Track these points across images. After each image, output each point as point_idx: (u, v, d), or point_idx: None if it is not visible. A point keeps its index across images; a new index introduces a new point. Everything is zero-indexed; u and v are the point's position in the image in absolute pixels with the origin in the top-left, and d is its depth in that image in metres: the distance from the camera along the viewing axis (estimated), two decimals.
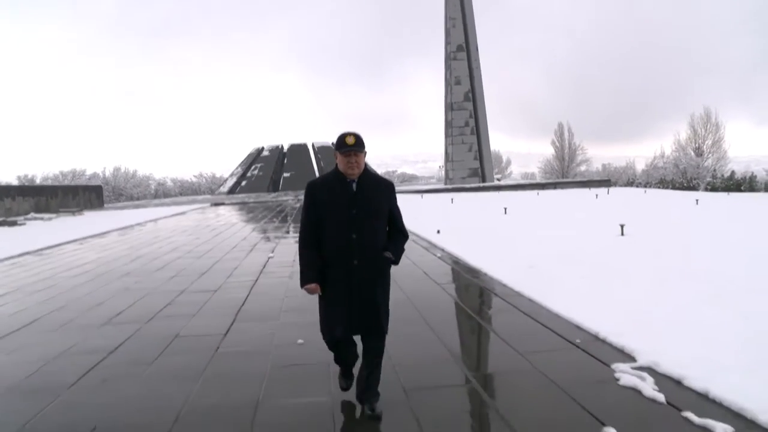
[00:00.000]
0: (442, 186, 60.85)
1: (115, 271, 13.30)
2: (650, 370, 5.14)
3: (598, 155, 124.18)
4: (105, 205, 60.45)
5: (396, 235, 4.72)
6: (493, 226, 19.29)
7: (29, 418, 4.88)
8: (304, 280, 4.48)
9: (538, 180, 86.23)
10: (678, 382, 4.86)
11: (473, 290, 9.54)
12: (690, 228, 16.45)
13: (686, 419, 4.21)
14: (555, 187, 54.76)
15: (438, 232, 17.10)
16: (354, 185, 4.49)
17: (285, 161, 74.70)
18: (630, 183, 71.90)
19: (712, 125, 68.49)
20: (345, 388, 5.00)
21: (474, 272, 10.88)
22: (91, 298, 10.15)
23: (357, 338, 4.74)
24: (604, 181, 59.45)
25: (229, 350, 6.57)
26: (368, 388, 4.66)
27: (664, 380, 4.94)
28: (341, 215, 4.41)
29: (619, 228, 14.86)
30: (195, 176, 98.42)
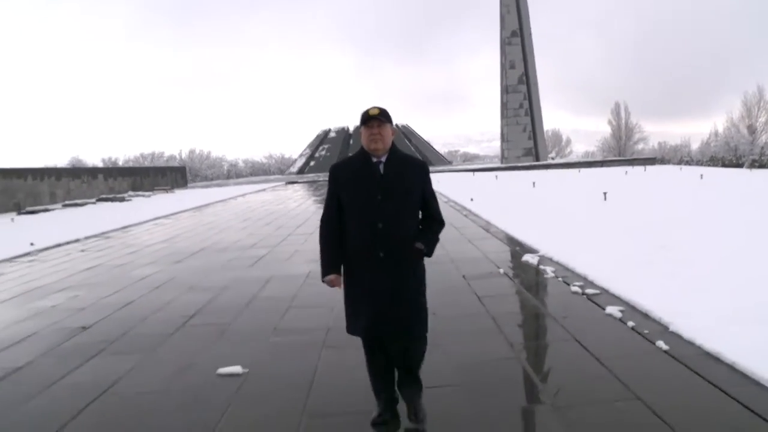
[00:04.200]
0: (494, 165, 65.36)
1: (234, 227, 18.86)
2: (541, 256, 10.15)
3: (659, 132, 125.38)
4: (188, 185, 67.21)
5: (429, 222, 4.25)
6: (514, 195, 24.26)
7: (233, 279, 10.27)
8: (323, 272, 4.23)
9: (596, 158, 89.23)
10: (549, 258, 9.86)
11: (471, 225, 14.53)
12: (661, 196, 20.84)
13: (539, 270, 9.22)
14: (602, 165, 58.56)
15: (471, 199, 22.07)
16: (381, 167, 4.06)
17: (351, 142, 79.96)
18: (680, 161, 74.58)
19: (766, 102, 70.34)
20: (375, 418, 4.23)
21: (479, 219, 15.88)
22: (228, 239, 15.67)
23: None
24: (650, 159, 62.74)
25: None
26: (407, 382, 4.26)
27: (544, 258, 9.97)
28: (366, 201, 4.00)
29: (603, 195, 19.58)
30: (265, 157, 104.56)
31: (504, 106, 66.28)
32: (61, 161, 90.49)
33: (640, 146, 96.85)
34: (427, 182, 4.22)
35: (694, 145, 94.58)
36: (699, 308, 6.17)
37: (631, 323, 6.07)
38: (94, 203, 39.35)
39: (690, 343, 5.34)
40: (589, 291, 7.50)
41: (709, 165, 61.35)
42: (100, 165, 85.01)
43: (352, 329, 4.19)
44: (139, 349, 6.36)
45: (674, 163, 71.32)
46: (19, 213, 32.83)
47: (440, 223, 4.30)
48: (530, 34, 67.11)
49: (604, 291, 7.44)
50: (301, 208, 24.96)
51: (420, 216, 4.26)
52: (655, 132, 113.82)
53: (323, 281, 4.25)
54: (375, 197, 4.00)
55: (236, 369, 5.44)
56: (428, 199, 4.22)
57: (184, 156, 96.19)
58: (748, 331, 5.38)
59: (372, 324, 4.03)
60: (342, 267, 4.20)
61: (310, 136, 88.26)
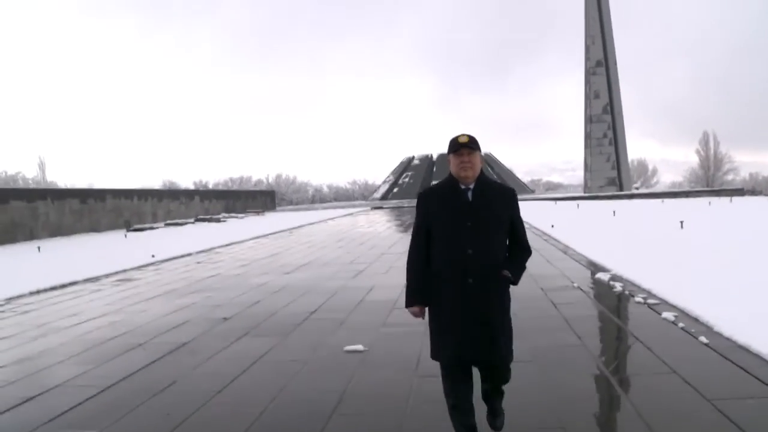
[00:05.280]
0: (577, 194, 65.63)
1: (330, 246, 20.61)
2: (612, 274, 11.30)
3: (753, 162, 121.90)
4: (276, 208, 70.22)
5: (517, 250, 4.26)
6: (594, 222, 25.19)
7: (340, 287, 11.83)
8: (408, 302, 4.29)
9: (681, 189, 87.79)
10: (620, 276, 11.01)
11: (550, 248, 15.68)
12: (739, 226, 21.36)
13: (609, 285, 10.40)
14: (687, 196, 58.01)
15: (552, 226, 23.15)
16: (470, 194, 4.08)
17: (434, 169, 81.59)
18: None
19: None
20: None
21: (558, 243, 17.01)
22: (328, 256, 17.39)
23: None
24: (738, 190, 61.74)
25: None
26: (492, 415, 4.45)
27: (615, 276, 11.11)
28: (455, 228, 4.04)
29: (680, 224, 20.35)
30: (349, 183, 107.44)
31: (588, 135, 66.65)
32: (155, 183, 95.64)
33: (730, 177, 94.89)
34: (516, 209, 4.23)
35: None
36: (742, 315, 7.27)
37: (681, 324, 7.27)
38: (192, 223, 42.22)
39: (727, 339, 6.52)
40: (651, 301, 8.70)
41: None
42: (192, 187, 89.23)
43: (435, 355, 4.25)
44: (276, 334, 7.98)
45: (766, 195, 69.62)
46: (128, 230, 35.76)
47: (527, 251, 4.32)
48: (615, 63, 67.37)
49: (664, 301, 8.61)
50: (390, 231, 26.63)
51: (507, 242, 4.26)
52: (748, 162, 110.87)
53: (407, 309, 4.33)
54: (464, 224, 4.01)
55: (359, 347, 6.96)
56: (516, 226, 4.22)
57: (270, 180, 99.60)
58: None
59: (458, 350, 4.05)
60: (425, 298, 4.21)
61: (394, 163, 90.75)
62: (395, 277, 12.23)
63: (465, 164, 4.05)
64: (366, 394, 5.58)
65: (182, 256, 19.29)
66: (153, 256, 18.81)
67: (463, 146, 4.05)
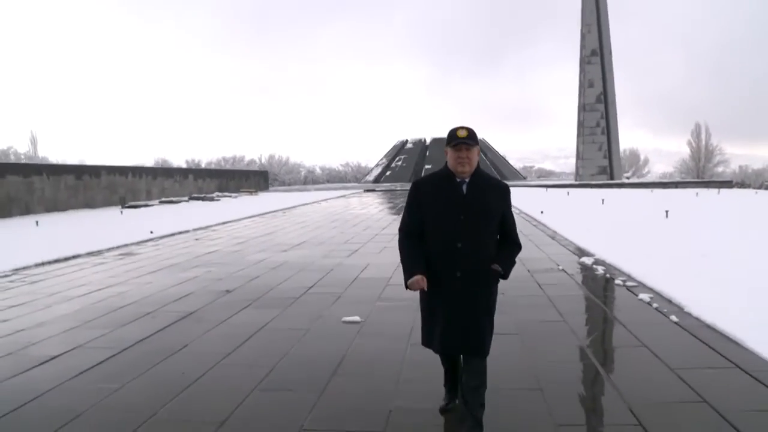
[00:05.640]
0: (567, 182, 66.29)
1: (325, 226, 21.10)
2: (596, 258, 11.88)
3: (744, 154, 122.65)
4: (269, 188, 70.61)
5: (507, 245, 4.33)
6: (582, 210, 25.82)
7: (336, 264, 12.36)
8: (407, 276, 4.19)
9: (670, 180, 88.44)
10: (603, 261, 11.57)
11: (539, 233, 16.24)
12: (721, 216, 22.00)
13: (592, 268, 10.96)
14: (676, 186, 58.68)
15: (542, 212, 23.72)
16: (464, 187, 4.12)
17: (427, 153, 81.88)
18: (760, 186, 73.60)
19: None
20: (443, 407, 4.68)
21: (546, 229, 17.57)
22: (323, 235, 17.88)
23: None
24: (726, 182, 62.49)
25: None
26: (471, 405, 4.20)
27: (598, 260, 11.69)
28: (447, 220, 4.09)
29: (665, 213, 20.95)
30: (341, 165, 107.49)
31: (581, 124, 67.08)
32: (147, 161, 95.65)
33: (720, 169, 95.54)
34: (508, 205, 4.30)
35: None
36: (711, 298, 7.86)
37: (655, 305, 7.86)
38: (186, 201, 42.59)
39: (696, 318, 7.12)
40: (629, 284, 9.30)
41: None
42: (184, 166, 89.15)
43: (426, 342, 4.43)
44: (276, 306, 8.50)
45: (755, 188, 70.37)
46: (124, 207, 36.13)
47: (517, 246, 4.39)
48: (610, 53, 67.69)
49: (641, 284, 9.21)
50: (383, 213, 27.15)
51: (498, 237, 4.32)
52: (740, 154, 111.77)
53: (407, 286, 4.22)
54: (457, 217, 4.06)
55: (356, 318, 7.51)
56: (507, 221, 4.28)
57: (263, 161, 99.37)
58: (743, 314, 7.08)
59: (443, 346, 4.21)
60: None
61: (386, 146, 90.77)
62: (389, 257, 12.75)
63: (462, 160, 4.10)
64: (363, 358, 6.12)
65: (180, 233, 19.72)
66: (151, 232, 19.23)
67: (462, 142, 4.08)
